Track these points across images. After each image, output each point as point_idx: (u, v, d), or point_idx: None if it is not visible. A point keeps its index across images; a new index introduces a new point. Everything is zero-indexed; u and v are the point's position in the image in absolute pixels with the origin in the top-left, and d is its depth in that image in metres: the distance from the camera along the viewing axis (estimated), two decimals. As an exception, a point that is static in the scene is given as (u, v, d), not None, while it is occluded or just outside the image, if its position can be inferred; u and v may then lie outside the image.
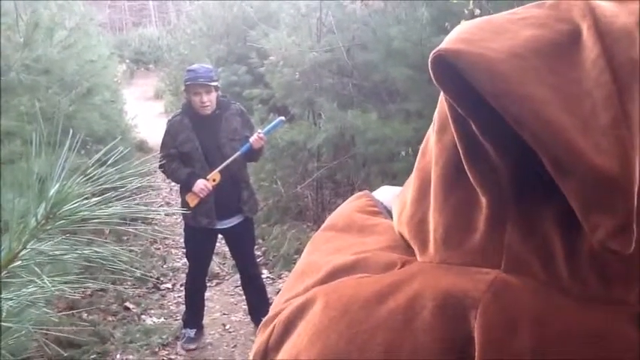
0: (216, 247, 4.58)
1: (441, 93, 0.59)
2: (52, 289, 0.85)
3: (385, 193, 0.86)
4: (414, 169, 0.65)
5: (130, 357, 4.22)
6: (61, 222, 0.83)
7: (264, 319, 0.69)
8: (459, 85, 0.49)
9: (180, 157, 3.95)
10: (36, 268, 0.83)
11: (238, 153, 3.95)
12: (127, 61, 16.69)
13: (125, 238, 5.83)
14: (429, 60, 0.50)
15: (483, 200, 0.53)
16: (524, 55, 0.48)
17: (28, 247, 0.84)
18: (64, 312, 4.23)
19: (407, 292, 0.54)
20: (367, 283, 0.59)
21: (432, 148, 0.61)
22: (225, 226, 4.12)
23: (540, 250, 0.50)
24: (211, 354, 4.28)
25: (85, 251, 0.87)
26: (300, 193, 6.71)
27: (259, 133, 3.99)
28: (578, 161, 0.44)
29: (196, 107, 3.91)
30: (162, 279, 5.64)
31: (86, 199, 0.85)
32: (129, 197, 0.87)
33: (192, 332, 4.33)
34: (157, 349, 4.32)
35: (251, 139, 3.94)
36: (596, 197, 0.44)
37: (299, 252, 5.64)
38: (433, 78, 0.51)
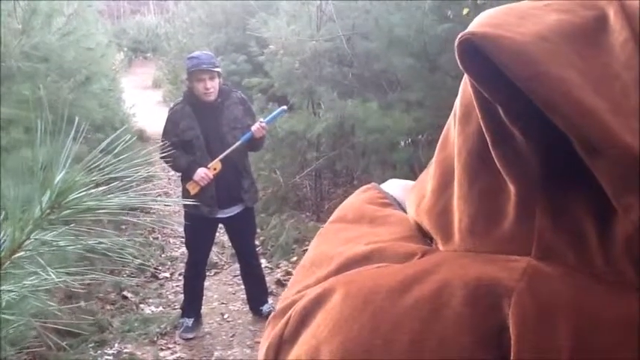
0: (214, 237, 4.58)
1: (462, 82, 0.58)
2: (57, 280, 0.83)
3: (394, 186, 0.86)
4: (433, 162, 0.64)
5: (129, 346, 4.22)
6: (67, 212, 0.81)
7: (274, 311, 0.67)
8: (485, 70, 0.48)
9: (182, 145, 3.93)
10: (40, 260, 0.81)
11: (239, 142, 3.94)
12: (125, 49, 16.61)
13: (124, 227, 5.81)
14: (455, 44, 0.49)
15: (511, 187, 0.52)
16: (552, 38, 0.47)
17: (31, 237, 0.82)
18: (63, 301, 4.22)
19: (433, 280, 0.53)
20: (389, 273, 0.57)
21: (453, 139, 0.60)
22: (225, 215, 4.11)
23: (573, 237, 0.49)
24: (210, 343, 4.28)
25: (89, 242, 0.85)
26: (299, 183, 6.70)
27: (261, 121, 4.00)
28: (611, 142, 0.43)
29: (200, 94, 3.89)
30: (160, 268, 5.63)
31: (91, 188, 0.83)
32: (131, 187, 0.85)
33: (190, 321, 4.33)
34: (155, 339, 4.32)
35: (253, 128, 3.94)
36: (628, 177, 0.43)
37: (298, 242, 5.64)
38: (459, 63, 0.50)
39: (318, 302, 0.59)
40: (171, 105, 4.17)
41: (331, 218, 0.79)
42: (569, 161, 0.47)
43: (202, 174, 3.88)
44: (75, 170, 0.82)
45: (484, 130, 0.52)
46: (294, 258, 5.40)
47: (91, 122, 5.31)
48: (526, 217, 0.51)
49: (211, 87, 3.87)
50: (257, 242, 5.70)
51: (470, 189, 0.56)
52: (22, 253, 0.82)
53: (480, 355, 0.48)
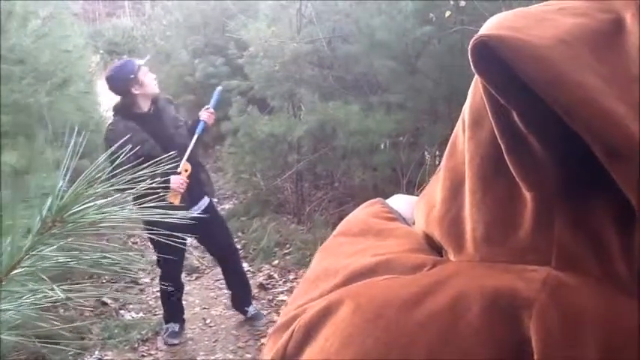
0: (195, 242, 4.49)
1: (472, 86, 0.57)
2: (62, 296, 0.79)
3: (399, 201, 0.84)
4: (442, 170, 0.62)
5: (109, 353, 4.15)
6: (70, 225, 0.77)
7: (275, 326, 0.65)
8: (499, 73, 0.47)
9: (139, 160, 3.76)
10: (43, 276, 0.77)
11: (197, 135, 3.91)
12: (102, 51, 16.41)
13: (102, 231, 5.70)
14: (469, 47, 0.47)
15: (528, 195, 0.51)
16: (570, 42, 0.46)
17: (31, 253, 0.78)
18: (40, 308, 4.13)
19: (448, 292, 0.51)
20: (400, 285, 0.56)
21: (461, 147, 0.58)
22: (194, 214, 3.95)
23: (594, 246, 0.48)
24: (192, 349, 4.23)
25: (93, 256, 0.81)
26: (280, 186, 6.66)
27: (207, 108, 3.99)
28: (633, 146, 0.42)
29: (153, 88, 3.82)
30: (140, 273, 5.55)
31: (94, 200, 0.79)
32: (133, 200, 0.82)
33: (176, 327, 4.26)
34: (136, 345, 4.26)
35: (203, 117, 3.93)
36: None
37: (279, 245, 5.61)
38: (473, 66, 0.48)
39: (324, 315, 0.57)
40: (108, 127, 3.89)
41: (335, 232, 0.78)
42: (588, 168, 0.46)
43: (178, 181, 3.75)
44: (78, 182, 0.78)
45: (498, 135, 0.51)
46: (276, 261, 5.36)
47: (68, 125, 5.21)
48: (544, 226, 0.50)
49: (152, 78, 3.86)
50: (238, 246, 5.66)
51: (483, 196, 0.54)
52: (19, 270, 0.78)
53: None
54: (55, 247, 0.81)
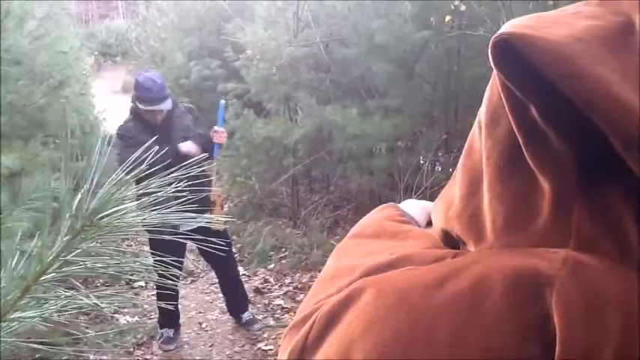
0: (189, 245, 4.46)
1: (487, 90, 0.59)
2: (92, 302, 0.77)
3: (411, 206, 0.86)
4: (459, 170, 0.65)
5: (104, 357, 4.11)
6: (105, 229, 0.76)
7: (291, 324, 0.65)
8: (518, 70, 0.49)
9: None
10: (75, 281, 0.75)
11: (215, 158, 4.02)
12: (96, 53, 16.37)
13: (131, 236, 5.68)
14: (490, 44, 0.50)
15: (546, 186, 0.53)
16: (587, 40, 0.49)
17: (60, 257, 0.76)
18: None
19: (470, 274, 0.53)
20: (422, 272, 0.57)
21: (478, 147, 0.60)
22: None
23: (613, 231, 0.50)
24: (188, 353, 4.20)
25: (122, 261, 0.80)
26: (276, 189, 6.65)
27: (216, 130, 4.01)
28: None
29: (148, 119, 3.88)
30: (134, 276, 5.51)
31: (124, 203, 0.78)
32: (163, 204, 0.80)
33: (171, 332, 4.23)
34: (131, 349, 4.22)
35: (215, 140, 3.98)
36: None
37: (275, 248, 5.59)
38: (493, 63, 0.51)
39: (346, 304, 0.58)
40: (123, 125, 4.02)
41: (349, 234, 0.79)
42: (605, 157, 0.48)
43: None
44: (107, 184, 0.76)
45: (516, 129, 0.53)
46: (272, 265, 5.35)
47: (64, 127, 5.18)
48: (562, 213, 0.52)
49: (164, 113, 3.87)
50: (234, 249, 5.64)
51: (503, 189, 0.56)
52: (48, 276, 0.76)
53: (524, 343, 0.48)
54: (79, 251, 0.79)
